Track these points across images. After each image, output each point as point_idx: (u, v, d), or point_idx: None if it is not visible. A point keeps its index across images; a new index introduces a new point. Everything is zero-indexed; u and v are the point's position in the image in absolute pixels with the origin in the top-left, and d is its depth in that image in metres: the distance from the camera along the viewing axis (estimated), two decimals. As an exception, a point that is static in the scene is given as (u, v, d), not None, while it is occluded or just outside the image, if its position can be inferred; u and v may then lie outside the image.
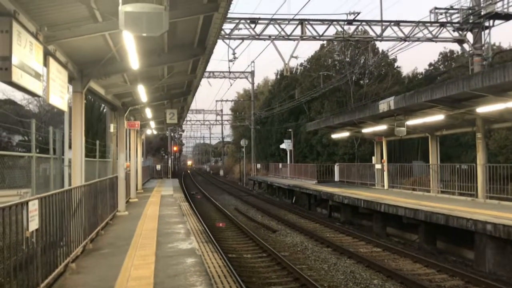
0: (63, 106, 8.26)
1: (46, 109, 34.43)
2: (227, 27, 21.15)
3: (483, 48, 22.03)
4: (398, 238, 15.83)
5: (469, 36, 22.24)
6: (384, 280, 10.10)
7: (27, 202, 5.13)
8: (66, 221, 7.04)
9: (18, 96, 49.43)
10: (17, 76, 5.52)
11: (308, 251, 13.42)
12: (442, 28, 22.32)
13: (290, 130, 40.55)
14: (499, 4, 20.91)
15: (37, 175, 8.76)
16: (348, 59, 39.63)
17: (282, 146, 40.07)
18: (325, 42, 40.56)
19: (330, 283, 10.01)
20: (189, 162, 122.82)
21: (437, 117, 15.76)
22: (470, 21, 21.77)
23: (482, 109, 13.74)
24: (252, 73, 46.93)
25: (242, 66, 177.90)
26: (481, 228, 10.63)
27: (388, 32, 22.25)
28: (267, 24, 21.49)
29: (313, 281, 9.56)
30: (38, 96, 6.60)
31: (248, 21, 21.32)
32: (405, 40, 22.23)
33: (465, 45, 22.61)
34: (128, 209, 15.22)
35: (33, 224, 5.27)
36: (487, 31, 21.81)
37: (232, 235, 16.53)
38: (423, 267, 11.27)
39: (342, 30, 22.28)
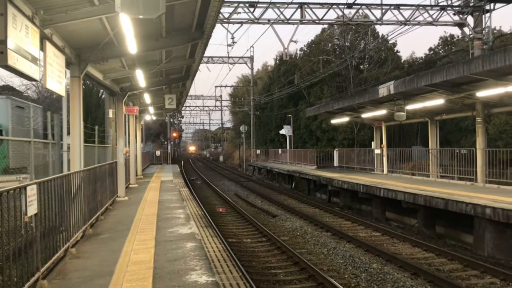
0: (61, 91, 8.20)
1: (45, 95, 34.30)
2: (226, 11, 21.06)
3: (483, 32, 21.89)
4: (397, 223, 15.90)
5: (470, 20, 22.12)
6: (383, 264, 10.15)
7: (25, 187, 5.10)
8: (65, 206, 7.03)
9: (16, 82, 49.19)
10: (13, 60, 5.46)
11: (308, 235, 13.47)
12: (442, 11, 22.17)
13: (289, 115, 40.47)
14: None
15: (36, 161, 8.75)
16: (348, 44, 39.40)
17: (282, 131, 40.00)
18: (326, 26, 40.29)
19: (329, 267, 10.06)
20: (192, 148, 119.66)
21: (437, 102, 15.72)
22: (471, 4, 21.60)
23: (482, 93, 13.69)
24: (251, 58, 46.70)
25: (241, 51, 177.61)
26: (480, 212, 10.66)
27: (388, 15, 22.21)
28: (266, 8, 21.33)
29: (313, 265, 9.60)
30: (35, 81, 6.54)
31: (247, 5, 21.15)
32: (405, 24, 22.09)
33: (466, 29, 22.48)
34: (128, 195, 15.24)
35: (32, 209, 5.25)
36: (487, 14, 21.69)
37: (232, 220, 16.59)
38: (422, 251, 11.33)
39: (342, 14, 22.11)
